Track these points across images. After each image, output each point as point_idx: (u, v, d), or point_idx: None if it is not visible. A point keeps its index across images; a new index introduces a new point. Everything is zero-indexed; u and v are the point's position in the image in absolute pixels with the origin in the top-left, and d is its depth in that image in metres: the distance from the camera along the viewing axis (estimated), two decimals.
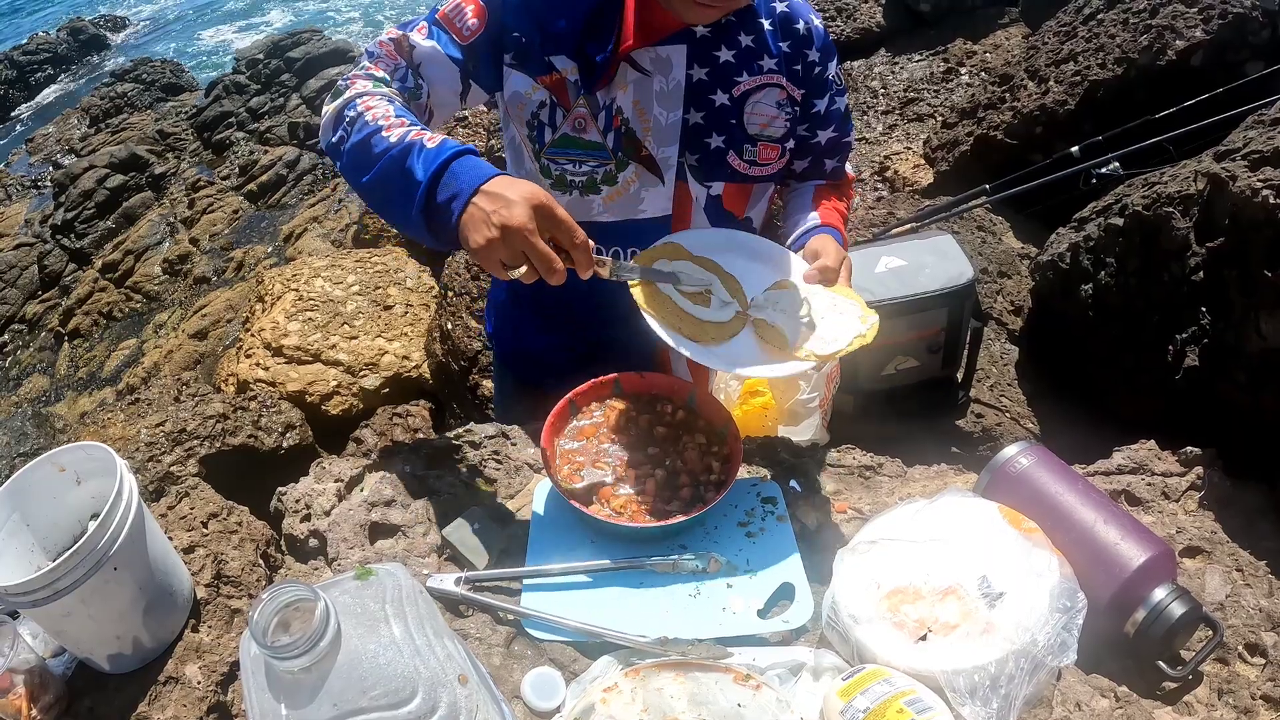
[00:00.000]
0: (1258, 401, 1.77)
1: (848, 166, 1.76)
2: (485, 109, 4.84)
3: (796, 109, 1.55)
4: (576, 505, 1.27)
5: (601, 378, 1.45)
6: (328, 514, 1.43)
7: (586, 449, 1.38)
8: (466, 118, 4.96)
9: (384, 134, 1.24)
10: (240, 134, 10.07)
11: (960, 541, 1.21)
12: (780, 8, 1.51)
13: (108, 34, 24.71)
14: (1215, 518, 1.61)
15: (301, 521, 1.43)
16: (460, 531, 1.36)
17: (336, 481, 1.49)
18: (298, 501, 1.46)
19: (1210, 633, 1.25)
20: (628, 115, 1.45)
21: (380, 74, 1.40)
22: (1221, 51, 3.47)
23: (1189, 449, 1.74)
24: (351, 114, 1.30)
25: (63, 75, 20.31)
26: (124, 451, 3.48)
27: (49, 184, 10.54)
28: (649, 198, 1.52)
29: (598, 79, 1.41)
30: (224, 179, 9.31)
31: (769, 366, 1.31)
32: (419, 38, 1.42)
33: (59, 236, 9.29)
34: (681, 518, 1.25)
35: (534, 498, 1.41)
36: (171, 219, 8.98)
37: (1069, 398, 2.60)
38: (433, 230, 1.20)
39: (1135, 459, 1.76)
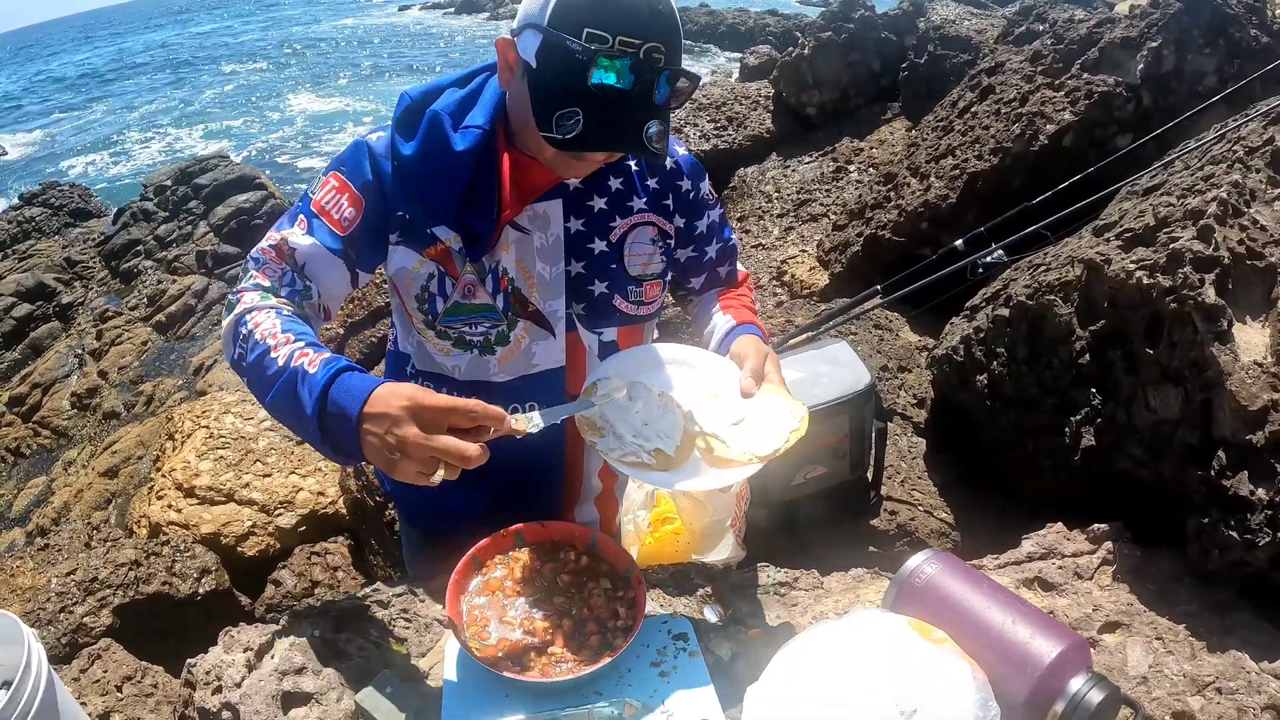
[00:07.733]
0: (1158, 472, 1.82)
1: (740, 266, 1.80)
2: None
3: (670, 241, 1.59)
4: (485, 665, 1.25)
5: (503, 530, 1.44)
6: (239, 685, 1.38)
7: (493, 604, 1.36)
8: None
9: (272, 354, 1.24)
10: (148, 262, 9.89)
11: (871, 661, 1.20)
12: None
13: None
14: (1130, 589, 1.65)
15: (213, 694, 1.38)
16: (374, 697, 1.32)
17: (246, 650, 1.44)
18: (208, 673, 1.41)
19: (1132, 712, 1.27)
20: (512, 275, 1.47)
21: (267, 284, 1.39)
22: (1091, 130, 3.65)
23: (1096, 526, 1.77)
24: (244, 330, 1.30)
25: None
26: (34, 603, 3.34)
27: None
28: (540, 351, 1.53)
29: (482, 246, 1.43)
30: (132, 309, 9.12)
31: (715, 476, 1.30)
32: (298, 237, 1.41)
33: None
34: (590, 668, 1.24)
35: (445, 655, 1.38)
36: (80, 350, 8.74)
37: (979, 484, 2.64)
38: (343, 456, 1.20)
39: (1044, 544, 1.79)
